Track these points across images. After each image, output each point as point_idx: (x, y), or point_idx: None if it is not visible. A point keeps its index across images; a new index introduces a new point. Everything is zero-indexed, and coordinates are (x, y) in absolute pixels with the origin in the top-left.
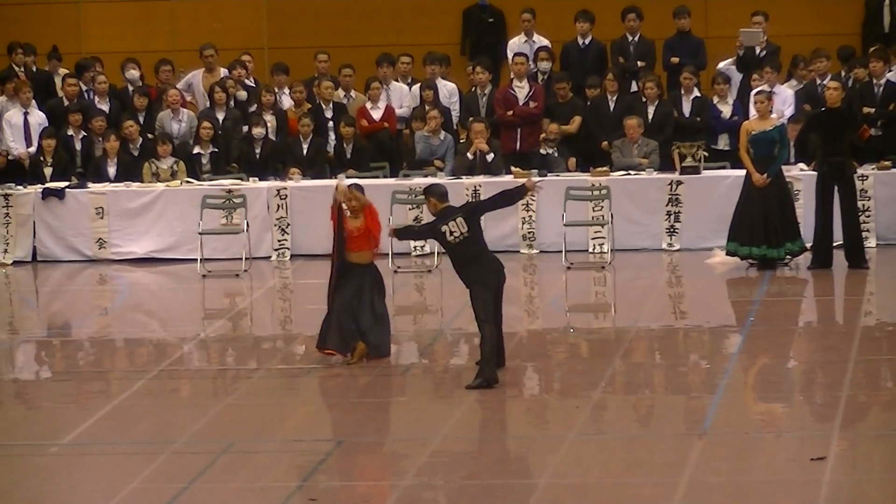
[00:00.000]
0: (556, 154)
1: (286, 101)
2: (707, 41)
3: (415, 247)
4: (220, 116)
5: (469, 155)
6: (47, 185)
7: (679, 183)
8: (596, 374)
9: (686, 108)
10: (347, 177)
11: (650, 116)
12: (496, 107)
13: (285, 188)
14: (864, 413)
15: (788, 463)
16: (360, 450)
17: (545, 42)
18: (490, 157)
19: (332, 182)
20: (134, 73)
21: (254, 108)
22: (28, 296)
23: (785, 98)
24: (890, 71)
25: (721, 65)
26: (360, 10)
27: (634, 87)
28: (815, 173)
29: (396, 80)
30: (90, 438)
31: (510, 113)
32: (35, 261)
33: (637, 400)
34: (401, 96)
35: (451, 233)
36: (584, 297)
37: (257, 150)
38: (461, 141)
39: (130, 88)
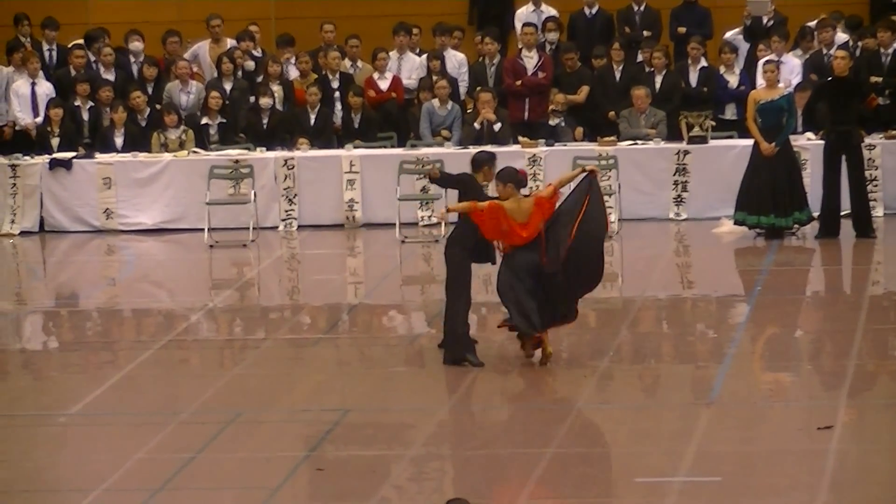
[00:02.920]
0: (563, 124)
1: (293, 72)
2: (714, 10)
3: (422, 216)
4: (228, 87)
5: (476, 125)
6: (54, 155)
7: (686, 153)
8: (603, 343)
9: (693, 79)
10: (355, 147)
11: (657, 86)
12: (505, 76)
13: (292, 158)
14: (871, 382)
15: (796, 432)
16: (367, 419)
17: (553, 12)
18: (497, 126)
19: (339, 152)
20: (138, 45)
21: (261, 78)
22: (35, 266)
23: (792, 67)
24: None
25: (728, 34)
26: None
27: (640, 58)
28: (823, 142)
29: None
30: (98, 409)
31: (518, 83)
32: (42, 231)
33: (644, 369)
34: (412, 67)
35: None
36: None
37: (265, 121)
38: (468, 111)
39: (133, 60)
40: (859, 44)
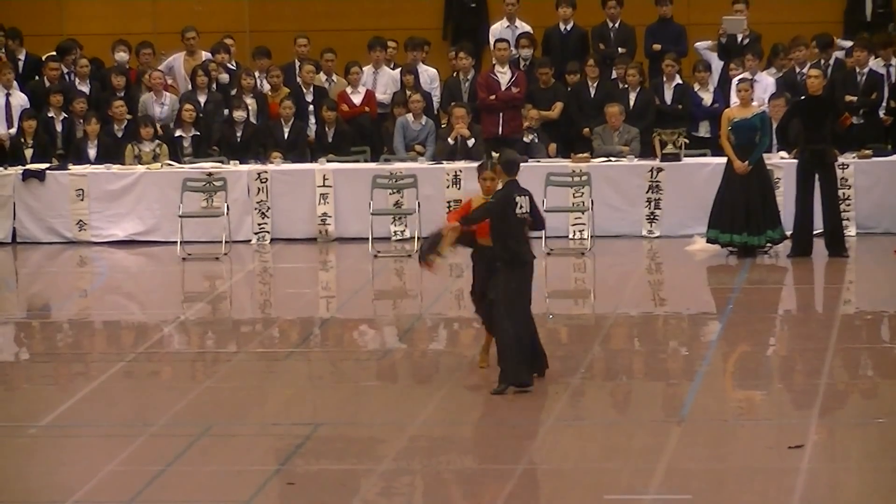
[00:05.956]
0: (536, 140)
1: (267, 85)
2: (689, 28)
3: (395, 231)
4: (202, 99)
5: (450, 140)
6: (28, 166)
7: (659, 170)
8: (575, 360)
9: (668, 96)
10: (328, 161)
11: (631, 103)
12: (479, 91)
13: (265, 171)
14: (842, 401)
15: (766, 450)
16: (338, 434)
17: (527, 28)
18: (471, 142)
19: (313, 166)
20: (123, 56)
21: (235, 91)
22: (7, 277)
23: (766, 86)
24: (873, 59)
25: (699, 45)
26: None
27: (614, 74)
28: (796, 161)
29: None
30: (69, 420)
31: (493, 97)
32: (15, 242)
33: (615, 386)
34: (387, 81)
35: (521, 206)
36: (564, 283)
37: (238, 133)
38: (442, 126)
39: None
40: (831, 62)
